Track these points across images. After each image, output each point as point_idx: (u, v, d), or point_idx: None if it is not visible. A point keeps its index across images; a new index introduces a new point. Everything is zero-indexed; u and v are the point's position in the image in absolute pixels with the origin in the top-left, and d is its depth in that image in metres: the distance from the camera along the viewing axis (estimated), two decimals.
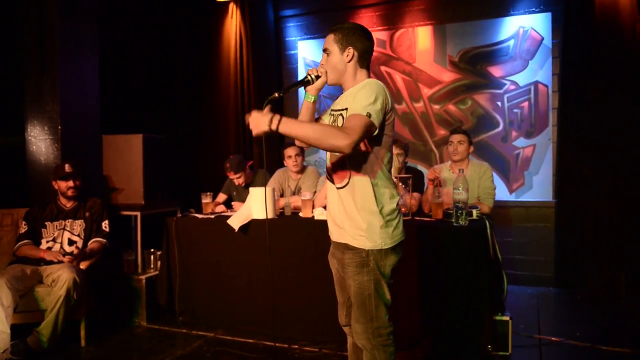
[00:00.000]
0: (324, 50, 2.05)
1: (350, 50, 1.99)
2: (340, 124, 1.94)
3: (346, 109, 1.93)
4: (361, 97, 1.86)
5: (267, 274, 3.36)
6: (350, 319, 2.09)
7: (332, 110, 2.11)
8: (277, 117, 1.78)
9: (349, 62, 2.00)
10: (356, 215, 1.95)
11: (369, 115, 1.81)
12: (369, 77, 2.05)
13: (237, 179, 4.13)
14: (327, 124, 1.96)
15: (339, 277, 2.16)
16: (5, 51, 4.70)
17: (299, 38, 5.73)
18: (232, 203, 4.08)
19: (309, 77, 2.03)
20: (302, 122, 1.93)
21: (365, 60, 2.04)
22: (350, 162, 1.96)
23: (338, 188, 2.01)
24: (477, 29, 4.93)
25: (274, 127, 1.77)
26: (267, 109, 1.83)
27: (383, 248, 1.94)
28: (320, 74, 2.03)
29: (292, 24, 5.76)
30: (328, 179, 2.10)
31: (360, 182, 1.95)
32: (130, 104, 4.92)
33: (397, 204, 2.00)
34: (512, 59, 4.81)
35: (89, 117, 4.15)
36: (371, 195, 1.94)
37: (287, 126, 1.79)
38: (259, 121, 1.79)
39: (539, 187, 4.76)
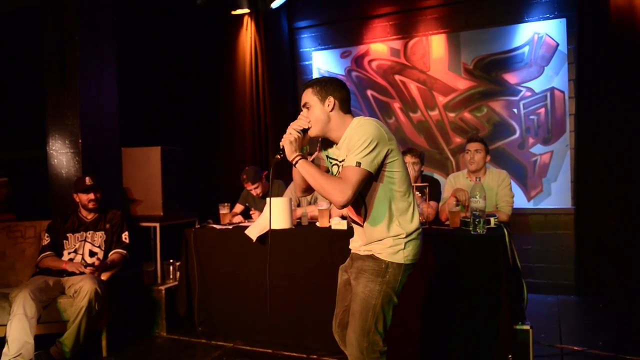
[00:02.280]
0: (303, 105, 2.09)
1: (331, 100, 2.04)
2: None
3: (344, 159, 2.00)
4: (354, 144, 1.93)
5: (286, 283, 3.38)
6: (342, 328, 2.18)
7: (329, 158, 2.18)
8: (301, 159, 2.00)
9: (332, 110, 2.05)
10: (382, 239, 2.03)
11: (358, 164, 1.89)
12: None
13: (255, 190, 4.17)
14: (328, 176, 1.99)
15: (342, 289, 2.23)
16: (26, 66, 4.82)
17: (313, 49, 5.77)
18: (251, 212, 4.11)
19: (279, 155, 2.05)
20: (314, 169, 1.98)
21: (346, 107, 2.09)
22: (364, 200, 2.04)
23: (360, 225, 2.10)
24: (491, 36, 4.93)
25: (293, 162, 2.00)
26: (306, 138, 2.04)
27: (403, 263, 2.01)
28: (308, 126, 2.06)
29: (306, 35, 5.81)
30: (350, 220, 2.19)
31: (380, 214, 2.02)
32: (148, 116, 5.00)
33: (419, 224, 2.08)
34: (527, 66, 4.79)
35: (109, 131, 4.22)
36: (392, 222, 2.02)
37: (302, 167, 1.99)
38: (291, 148, 2.00)
39: (557, 194, 4.71)
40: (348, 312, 2.12)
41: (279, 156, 2.03)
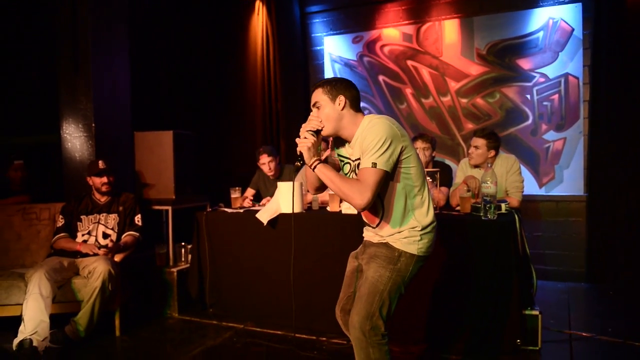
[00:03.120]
0: (314, 105, 2.08)
1: (342, 98, 2.04)
2: (355, 172, 2.07)
3: (359, 158, 2.01)
4: (368, 145, 1.93)
5: (296, 266, 3.39)
6: (344, 313, 2.21)
7: (340, 156, 2.19)
8: (319, 162, 2.01)
9: (343, 109, 2.05)
10: (399, 231, 2.05)
11: (374, 165, 1.90)
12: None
13: (269, 163, 4.20)
14: (347, 179, 2.00)
15: (349, 275, 2.26)
16: (40, 51, 4.85)
17: (324, 34, 5.74)
18: (261, 204, 4.13)
19: (298, 163, 2.07)
20: (332, 172, 1.99)
21: (356, 105, 2.09)
22: (382, 202, 2.05)
23: (374, 227, 2.12)
24: (505, 21, 4.87)
25: (312, 167, 2.02)
26: (317, 140, 2.03)
27: (416, 254, 2.03)
28: (321, 127, 2.06)
29: (317, 20, 5.78)
30: (365, 223, 2.21)
31: (397, 211, 2.04)
32: (160, 101, 5.03)
33: (434, 218, 2.09)
34: (541, 51, 4.73)
35: (121, 115, 4.26)
36: (408, 216, 2.05)
37: (320, 171, 2.00)
38: (309, 154, 2.01)
39: (569, 181, 4.68)
40: (352, 298, 2.15)
41: (298, 163, 2.06)
